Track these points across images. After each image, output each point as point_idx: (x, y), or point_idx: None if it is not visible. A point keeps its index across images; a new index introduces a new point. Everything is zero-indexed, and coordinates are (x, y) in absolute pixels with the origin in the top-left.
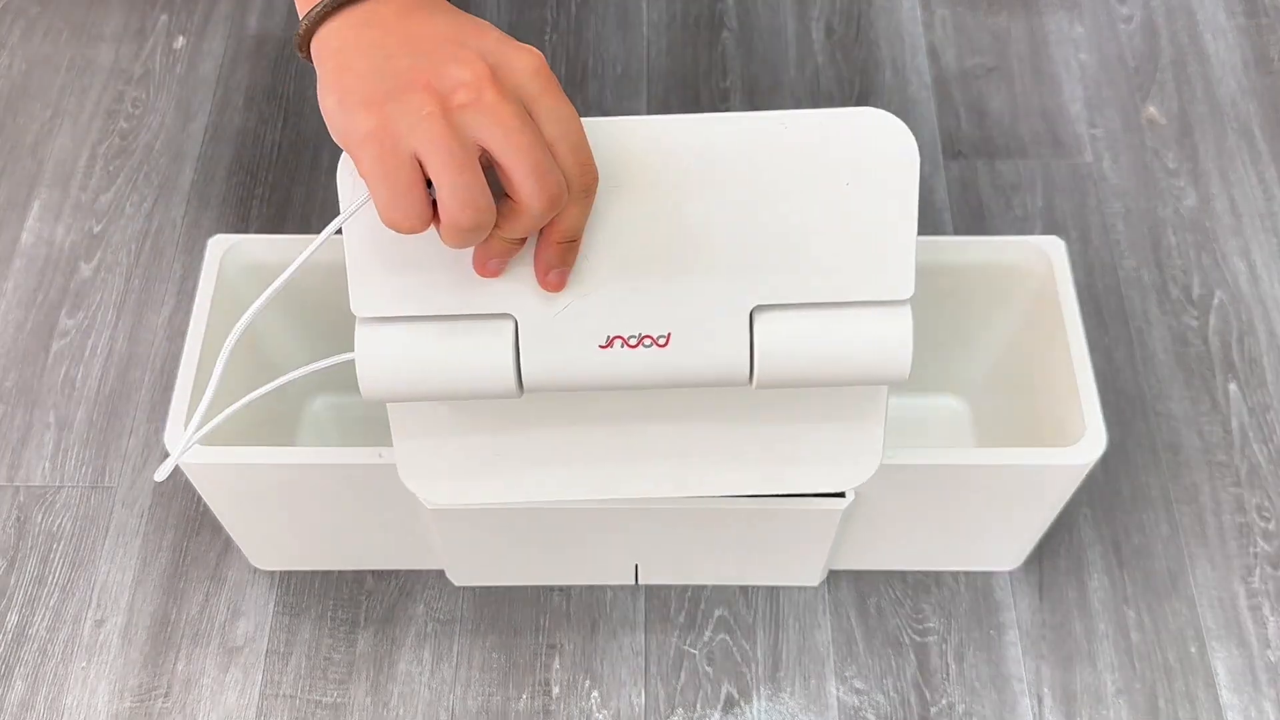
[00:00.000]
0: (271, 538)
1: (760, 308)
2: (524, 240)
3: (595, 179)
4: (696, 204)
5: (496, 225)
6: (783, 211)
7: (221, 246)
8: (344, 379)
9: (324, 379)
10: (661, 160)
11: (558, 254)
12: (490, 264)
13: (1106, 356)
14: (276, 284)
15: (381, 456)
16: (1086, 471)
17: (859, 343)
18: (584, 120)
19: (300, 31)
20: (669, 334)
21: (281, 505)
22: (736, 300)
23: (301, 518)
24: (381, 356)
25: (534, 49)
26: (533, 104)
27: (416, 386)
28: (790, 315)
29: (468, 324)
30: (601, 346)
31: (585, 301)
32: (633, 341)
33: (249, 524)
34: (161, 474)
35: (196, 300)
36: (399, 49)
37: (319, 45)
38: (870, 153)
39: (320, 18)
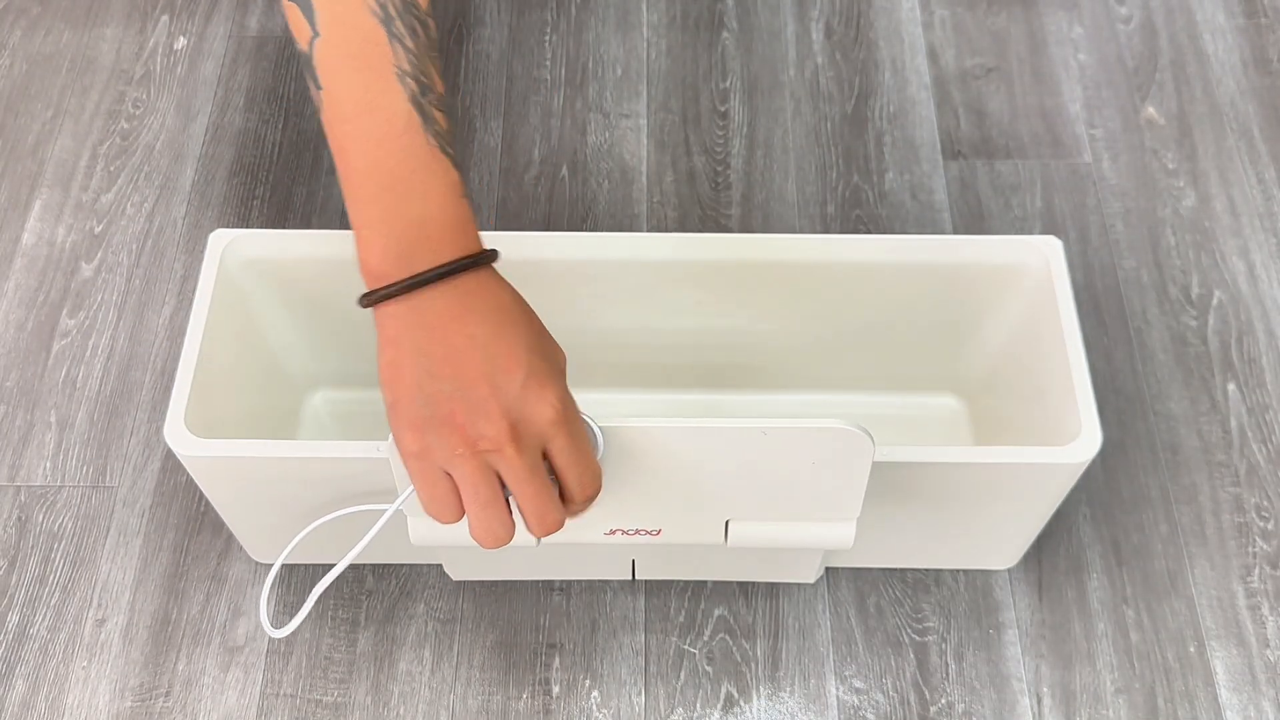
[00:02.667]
0: (271, 531)
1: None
2: None
3: (598, 491)
4: (688, 461)
5: None
6: (760, 472)
7: (222, 241)
8: (344, 373)
9: (324, 373)
10: (663, 457)
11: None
12: (490, 542)
13: (1106, 356)
14: (339, 568)
15: (380, 450)
16: (1082, 470)
17: (811, 539)
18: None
19: (362, 304)
20: (660, 529)
21: (281, 498)
22: (716, 513)
23: (301, 511)
24: (429, 532)
25: (553, 396)
26: (548, 443)
27: (454, 542)
28: (757, 523)
29: None
30: (605, 534)
31: (593, 510)
32: (630, 532)
33: (248, 518)
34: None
35: (197, 294)
36: (441, 367)
37: (380, 318)
38: (834, 451)
39: (383, 299)
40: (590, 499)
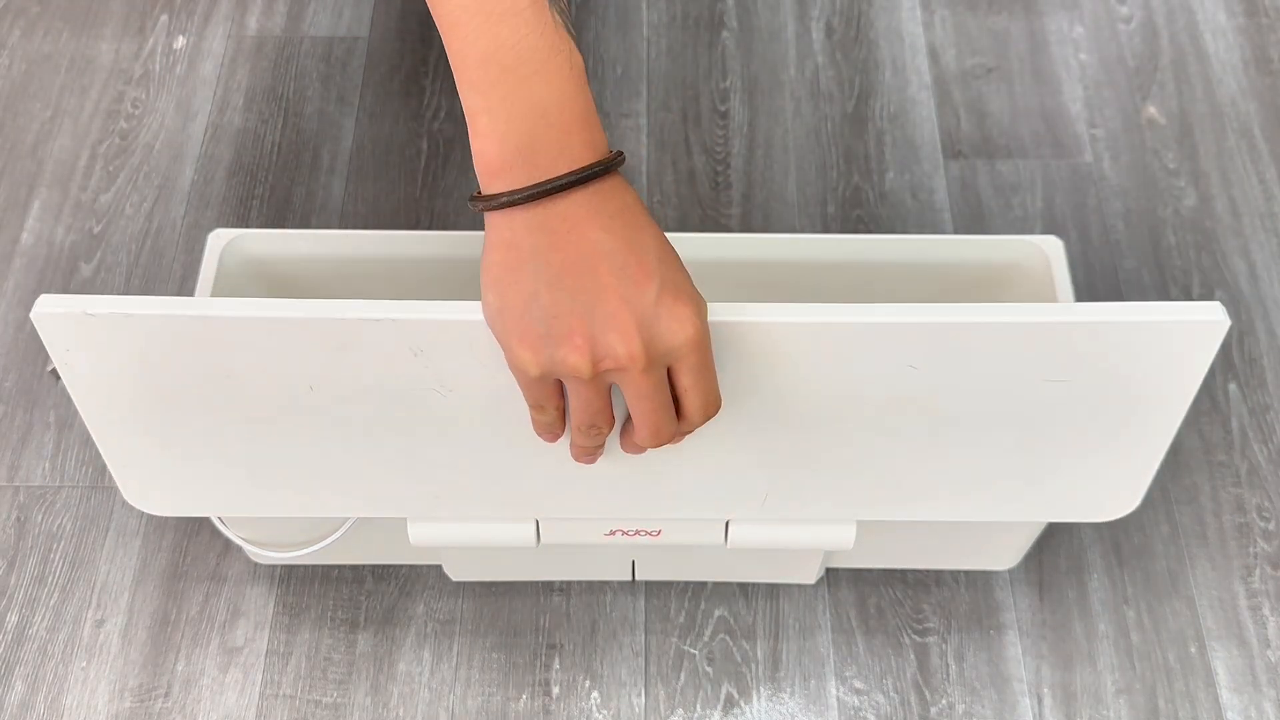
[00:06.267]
0: (269, 532)
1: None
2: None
3: (717, 411)
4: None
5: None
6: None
7: (221, 240)
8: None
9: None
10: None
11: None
12: (586, 459)
13: None
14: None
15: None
16: None
17: (811, 540)
18: None
19: (476, 206)
20: (660, 530)
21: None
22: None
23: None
24: (432, 535)
25: (694, 314)
26: (677, 362)
27: (454, 543)
28: (758, 523)
29: (500, 525)
30: (605, 535)
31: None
32: (630, 532)
33: (252, 520)
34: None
35: (196, 294)
36: (564, 277)
37: (494, 219)
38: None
39: (506, 206)
40: (709, 418)
